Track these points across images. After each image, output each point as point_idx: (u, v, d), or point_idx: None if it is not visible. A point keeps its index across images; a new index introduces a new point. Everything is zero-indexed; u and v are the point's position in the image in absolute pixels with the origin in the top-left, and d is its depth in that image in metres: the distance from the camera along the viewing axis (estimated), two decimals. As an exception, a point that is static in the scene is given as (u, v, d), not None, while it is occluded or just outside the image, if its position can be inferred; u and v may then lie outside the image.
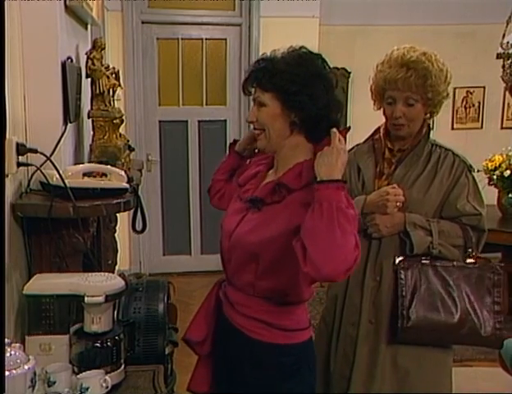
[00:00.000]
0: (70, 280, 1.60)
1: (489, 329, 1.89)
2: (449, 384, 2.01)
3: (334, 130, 1.47)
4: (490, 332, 1.89)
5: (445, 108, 2.05)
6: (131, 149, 2.57)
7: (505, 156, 4.21)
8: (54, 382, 1.42)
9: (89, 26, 2.74)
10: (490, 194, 4.14)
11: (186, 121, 5.02)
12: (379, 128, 2.05)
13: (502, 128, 5.66)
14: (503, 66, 3.68)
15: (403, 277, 1.89)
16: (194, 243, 5.18)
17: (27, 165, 1.75)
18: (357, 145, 2.11)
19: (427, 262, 1.91)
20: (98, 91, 2.27)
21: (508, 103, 5.59)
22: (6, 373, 1.20)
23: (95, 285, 1.56)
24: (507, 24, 3.66)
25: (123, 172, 1.94)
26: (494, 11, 4.36)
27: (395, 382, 1.94)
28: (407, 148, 1.97)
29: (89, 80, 2.30)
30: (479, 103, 5.65)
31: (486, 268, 1.93)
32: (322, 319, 2.12)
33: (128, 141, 2.60)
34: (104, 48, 2.33)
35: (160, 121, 4.97)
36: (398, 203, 1.86)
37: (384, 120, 2.01)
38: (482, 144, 5.01)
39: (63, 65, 1.95)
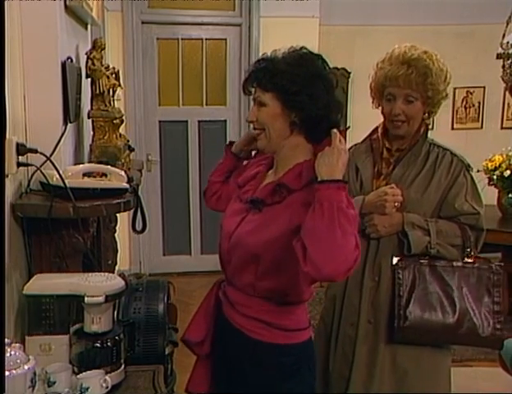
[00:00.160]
0: (70, 280, 1.60)
1: (488, 329, 1.89)
2: (447, 384, 2.01)
3: (334, 130, 1.47)
4: (489, 332, 1.89)
5: (445, 108, 2.05)
6: (131, 149, 2.57)
7: (505, 156, 4.21)
8: (54, 383, 1.42)
9: (89, 26, 2.74)
10: (490, 194, 4.14)
11: (186, 121, 5.02)
12: (377, 128, 2.05)
13: (502, 128, 5.66)
14: (503, 66, 3.68)
15: (400, 276, 1.89)
16: (194, 243, 5.18)
17: (27, 165, 1.75)
18: (355, 145, 2.11)
19: (426, 262, 1.91)
20: (98, 91, 2.27)
21: (508, 103, 5.59)
22: (6, 373, 1.20)
23: (95, 285, 1.56)
24: (507, 24, 3.66)
25: (123, 172, 1.94)
26: (494, 11, 4.36)
27: (394, 382, 1.94)
28: (405, 148, 1.97)
29: (89, 80, 2.30)
30: (479, 103, 5.65)
31: (485, 268, 1.93)
32: (321, 319, 2.12)
33: (128, 141, 2.60)
34: (104, 48, 2.33)
35: (160, 121, 4.97)
36: (396, 204, 1.86)
37: (382, 119, 2.01)
38: (482, 144, 5.01)
39: (63, 65, 1.95)
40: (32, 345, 1.55)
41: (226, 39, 4.94)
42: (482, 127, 5.68)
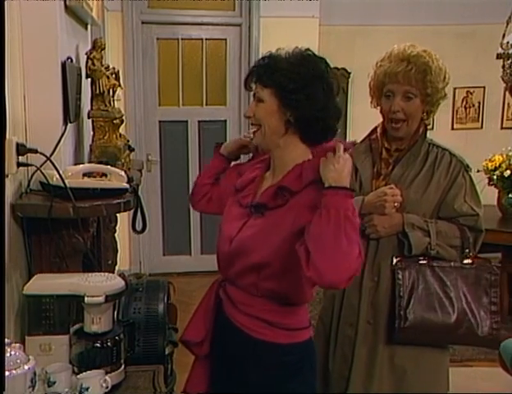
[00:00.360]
0: (70, 280, 1.60)
1: (486, 329, 1.89)
2: (445, 384, 2.01)
3: (339, 144, 1.47)
4: (487, 332, 1.89)
5: (445, 108, 2.06)
6: (131, 149, 2.57)
7: (505, 156, 4.22)
8: (54, 383, 1.42)
9: (89, 26, 2.74)
10: (490, 194, 4.15)
11: (186, 122, 5.02)
12: (376, 128, 2.05)
13: (502, 128, 5.66)
14: (503, 66, 3.68)
15: (400, 277, 1.89)
16: (194, 243, 5.18)
17: (27, 165, 1.75)
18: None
19: (425, 262, 1.91)
20: (98, 91, 2.27)
21: (508, 103, 5.59)
22: (6, 373, 1.20)
23: (95, 285, 1.56)
24: (507, 24, 3.66)
25: (123, 172, 1.94)
26: (494, 11, 4.36)
27: (393, 381, 1.95)
28: (404, 148, 1.97)
29: (89, 80, 2.30)
30: (479, 103, 5.65)
31: (483, 269, 1.93)
32: (319, 320, 2.12)
33: (128, 141, 2.60)
34: (104, 48, 2.33)
35: (160, 122, 4.97)
36: (396, 204, 1.86)
37: (382, 119, 2.01)
38: (482, 144, 5.02)
39: (63, 65, 1.95)
40: (32, 345, 1.55)
41: (226, 39, 4.94)
42: (482, 127, 5.68)
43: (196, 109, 5.01)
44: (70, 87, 2.00)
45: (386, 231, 1.91)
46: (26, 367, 1.27)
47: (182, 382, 1.80)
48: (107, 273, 1.68)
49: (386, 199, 1.85)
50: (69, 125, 2.04)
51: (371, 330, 1.95)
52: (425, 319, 1.87)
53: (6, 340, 1.23)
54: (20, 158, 1.68)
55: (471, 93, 5.61)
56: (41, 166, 1.75)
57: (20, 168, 1.72)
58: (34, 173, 1.79)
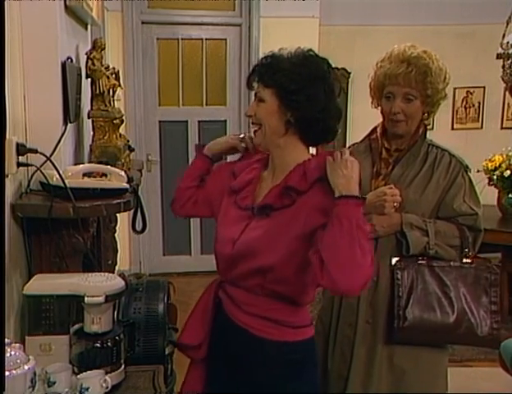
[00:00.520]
0: (70, 280, 1.60)
1: (486, 329, 1.89)
2: (444, 384, 2.02)
3: (345, 149, 1.48)
4: (486, 332, 1.89)
5: (445, 108, 2.06)
6: (131, 150, 2.57)
7: (505, 156, 4.22)
8: (54, 383, 1.42)
9: (89, 26, 2.74)
10: (490, 194, 4.15)
11: (186, 122, 5.01)
12: (376, 128, 2.05)
13: (502, 128, 5.66)
14: (503, 66, 3.69)
15: (399, 277, 1.89)
16: (194, 243, 5.18)
17: (27, 165, 1.75)
18: (353, 145, 2.12)
19: (424, 262, 1.91)
20: (98, 91, 2.27)
21: (508, 103, 5.59)
22: (6, 373, 1.20)
23: (95, 285, 1.56)
24: (507, 24, 3.66)
25: (123, 172, 1.93)
26: (494, 11, 4.36)
27: (392, 381, 1.95)
28: (404, 148, 1.97)
29: (89, 80, 2.30)
30: (479, 103, 5.65)
31: (482, 268, 1.93)
32: (319, 319, 2.12)
33: (128, 141, 2.60)
34: (104, 49, 2.33)
35: (160, 122, 4.97)
36: (395, 204, 1.86)
37: (381, 119, 2.01)
38: (482, 144, 5.02)
39: (63, 65, 1.95)
40: (32, 345, 1.55)
41: (226, 39, 4.94)
42: (482, 127, 5.68)
43: (196, 109, 5.01)
44: (70, 87, 2.00)
45: (384, 231, 1.91)
46: (26, 367, 1.27)
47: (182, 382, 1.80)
48: (107, 273, 1.67)
49: (386, 198, 1.85)
50: (69, 125, 2.04)
51: (370, 330, 1.96)
52: (424, 319, 1.87)
53: (6, 340, 1.23)
54: (20, 158, 1.68)
55: (471, 94, 5.61)
56: (41, 166, 1.75)
57: (20, 168, 1.72)
58: (34, 173, 1.79)
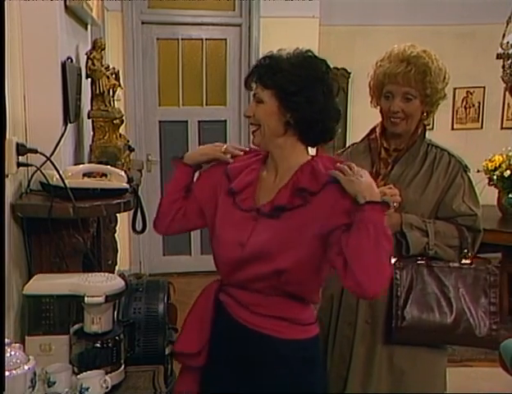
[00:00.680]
0: (70, 280, 1.60)
1: (484, 330, 1.89)
2: (442, 384, 2.02)
3: (352, 164, 1.50)
4: (485, 332, 1.89)
5: (445, 108, 2.06)
6: (131, 150, 2.57)
7: (505, 156, 4.22)
8: (54, 383, 1.42)
9: (89, 26, 2.74)
10: (490, 194, 4.15)
11: (186, 122, 5.01)
12: (375, 127, 2.05)
13: (502, 128, 5.66)
14: (503, 66, 3.69)
15: (398, 277, 1.89)
16: (194, 243, 5.18)
17: (27, 165, 1.75)
18: (352, 145, 2.11)
19: (423, 262, 1.91)
20: (98, 91, 2.27)
21: (508, 103, 5.59)
22: (6, 373, 1.20)
23: (95, 285, 1.56)
24: (507, 24, 3.66)
25: (123, 173, 1.94)
26: (494, 11, 4.36)
27: (391, 381, 1.95)
28: (403, 148, 1.97)
29: (89, 80, 2.30)
30: (479, 103, 5.65)
31: (481, 269, 1.93)
32: (318, 319, 2.10)
33: (128, 141, 2.60)
34: (104, 49, 2.33)
35: (160, 122, 4.97)
36: (395, 204, 1.86)
37: (381, 119, 2.01)
38: (482, 144, 5.02)
39: (63, 65, 1.95)
40: (32, 346, 1.55)
41: (226, 39, 4.94)
42: (482, 127, 5.68)
43: (196, 109, 5.01)
44: (70, 87, 2.00)
45: (384, 231, 1.91)
46: (26, 367, 1.27)
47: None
48: (107, 273, 1.68)
49: (385, 198, 1.85)
50: (69, 125, 2.04)
51: (369, 330, 1.95)
52: (422, 319, 1.87)
53: (6, 340, 1.23)
54: (20, 158, 1.68)
55: (471, 94, 5.61)
56: (41, 166, 1.75)
57: (20, 168, 1.72)
58: (34, 173, 1.79)
